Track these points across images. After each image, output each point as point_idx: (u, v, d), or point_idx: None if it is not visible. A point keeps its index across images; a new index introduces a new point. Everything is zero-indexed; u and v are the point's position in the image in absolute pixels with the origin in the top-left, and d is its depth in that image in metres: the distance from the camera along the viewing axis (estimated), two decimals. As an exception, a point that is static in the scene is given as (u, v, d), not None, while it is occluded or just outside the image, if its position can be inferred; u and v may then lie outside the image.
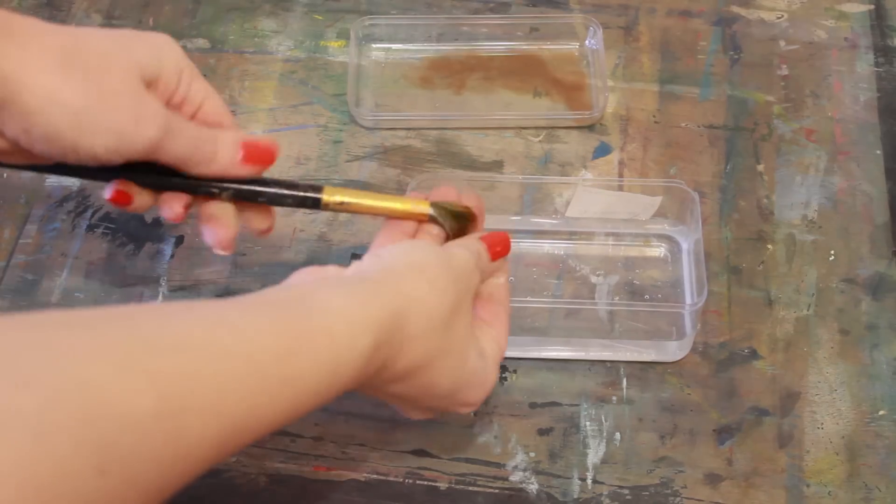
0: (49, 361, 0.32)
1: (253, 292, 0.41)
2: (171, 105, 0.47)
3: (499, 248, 0.50)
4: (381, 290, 0.42)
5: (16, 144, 0.44)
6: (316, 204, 0.49)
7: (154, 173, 0.47)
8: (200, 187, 0.48)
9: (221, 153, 0.48)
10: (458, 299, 0.45)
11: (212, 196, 0.48)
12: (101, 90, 0.43)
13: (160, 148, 0.45)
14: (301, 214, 0.64)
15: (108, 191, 0.48)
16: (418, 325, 0.43)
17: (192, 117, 0.49)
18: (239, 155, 0.48)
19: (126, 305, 0.37)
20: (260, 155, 0.49)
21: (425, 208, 0.50)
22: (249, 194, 0.49)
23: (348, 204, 0.50)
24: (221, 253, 0.50)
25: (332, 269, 0.45)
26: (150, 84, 0.46)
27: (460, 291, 0.45)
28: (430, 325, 0.43)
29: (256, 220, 0.51)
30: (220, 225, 0.49)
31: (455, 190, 0.52)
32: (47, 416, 0.30)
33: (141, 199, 0.49)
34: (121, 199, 0.48)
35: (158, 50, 0.47)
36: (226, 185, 0.48)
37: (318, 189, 0.49)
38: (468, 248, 0.48)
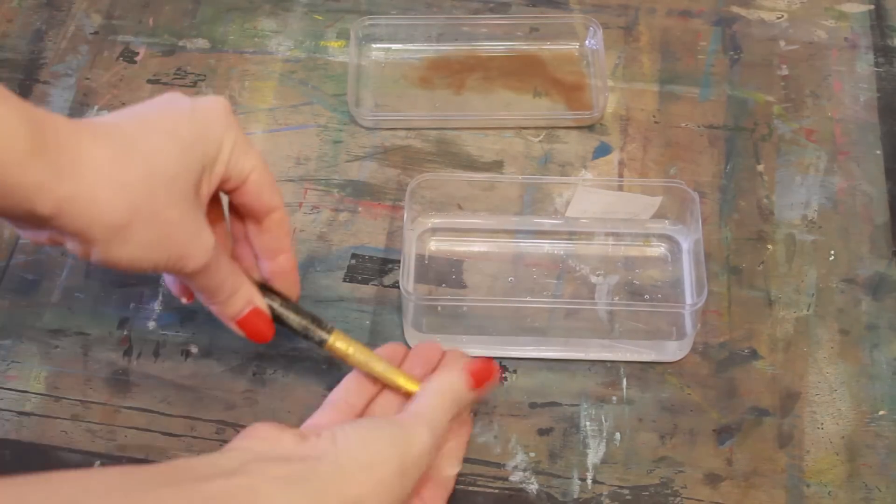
0: None
1: (208, 464, 0.41)
2: (222, 180, 0.48)
3: (483, 379, 0.50)
4: (323, 491, 0.42)
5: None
6: (321, 343, 0.52)
7: None
8: None
9: (231, 303, 0.49)
10: (405, 495, 0.45)
11: None
12: (158, 220, 0.43)
13: (195, 278, 0.47)
14: (301, 214, 0.64)
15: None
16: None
17: (235, 190, 0.49)
18: (241, 315, 0.50)
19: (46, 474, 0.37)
20: (255, 331, 0.51)
21: (414, 389, 0.50)
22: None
23: (348, 356, 0.51)
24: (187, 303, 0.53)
25: (287, 439, 0.44)
26: (201, 177, 0.46)
27: (407, 486, 0.45)
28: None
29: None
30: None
31: (461, 356, 0.52)
32: None
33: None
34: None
35: (212, 137, 0.46)
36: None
37: (329, 331, 0.52)
38: (433, 426, 0.47)
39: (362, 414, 0.50)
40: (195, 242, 0.45)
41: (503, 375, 0.58)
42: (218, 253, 0.47)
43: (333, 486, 0.42)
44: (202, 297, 0.49)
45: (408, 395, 0.50)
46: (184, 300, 0.53)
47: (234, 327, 0.51)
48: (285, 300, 0.52)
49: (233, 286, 0.49)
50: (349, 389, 0.51)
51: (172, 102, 0.46)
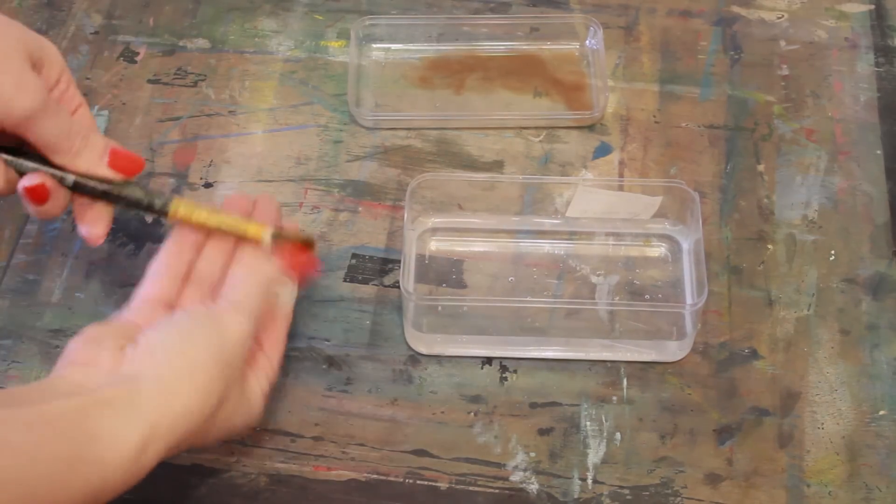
0: None
1: (38, 389, 0.44)
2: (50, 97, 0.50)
3: (305, 269, 0.54)
4: (150, 411, 0.44)
5: None
6: (164, 214, 0.53)
7: (22, 154, 0.50)
8: (65, 178, 0.51)
9: (90, 149, 0.51)
10: (227, 386, 0.47)
11: (76, 190, 0.51)
12: None
13: (32, 125, 0.48)
14: (301, 214, 0.64)
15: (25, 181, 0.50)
16: (189, 430, 0.45)
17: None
18: (105, 158, 0.51)
19: None
20: (126, 163, 0.52)
21: (264, 235, 0.53)
22: (101, 193, 0.52)
23: (192, 218, 0.53)
24: (96, 245, 0.53)
25: (104, 360, 0.46)
26: (33, 66, 0.49)
27: (230, 377, 0.48)
28: (199, 427, 0.46)
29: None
30: (92, 221, 0.52)
31: (271, 202, 0.56)
32: None
33: (56, 199, 0.51)
34: (38, 193, 0.50)
35: (44, 43, 0.51)
36: (93, 182, 0.52)
37: (167, 201, 0.53)
38: (248, 312, 0.50)
39: (181, 288, 0.53)
40: (27, 79, 0.47)
41: (503, 375, 0.58)
42: (52, 102, 0.48)
43: (159, 403, 0.44)
44: (61, 153, 0.50)
45: (256, 243, 0.53)
46: (93, 244, 0.53)
47: (103, 173, 0.51)
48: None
49: (82, 131, 0.50)
50: (170, 260, 0.53)
51: None
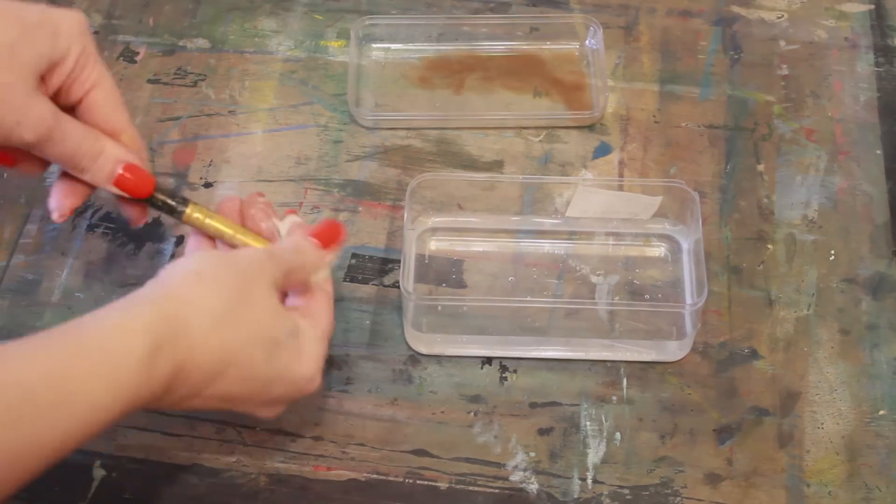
0: None
1: None
2: (63, 87, 0.48)
3: (330, 237, 0.52)
4: (153, 298, 0.44)
5: None
6: (178, 216, 0.53)
7: None
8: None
9: (97, 170, 0.50)
10: (243, 292, 0.46)
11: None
12: None
13: (38, 150, 0.47)
14: (301, 214, 0.64)
15: None
16: (201, 326, 0.44)
17: (79, 102, 0.50)
18: (113, 178, 0.50)
19: None
20: (134, 185, 0.51)
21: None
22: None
23: (204, 224, 0.53)
24: (58, 220, 0.52)
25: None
26: (46, 71, 0.47)
27: (246, 283, 0.46)
28: (213, 323, 0.44)
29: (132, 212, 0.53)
30: (67, 194, 0.51)
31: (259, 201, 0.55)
32: None
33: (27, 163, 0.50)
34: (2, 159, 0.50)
35: (61, 36, 0.47)
36: None
37: (185, 203, 0.52)
38: (260, 246, 0.51)
39: None
40: (30, 109, 0.46)
41: (503, 375, 0.58)
42: (61, 120, 0.47)
43: (159, 293, 0.44)
44: (70, 169, 0.49)
45: None
46: (57, 218, 0.52)
47: (112, 190, 0.51)
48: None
49: (93, 150, 0.49)
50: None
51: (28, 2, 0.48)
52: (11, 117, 0.45)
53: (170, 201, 0.52)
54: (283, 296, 0.51)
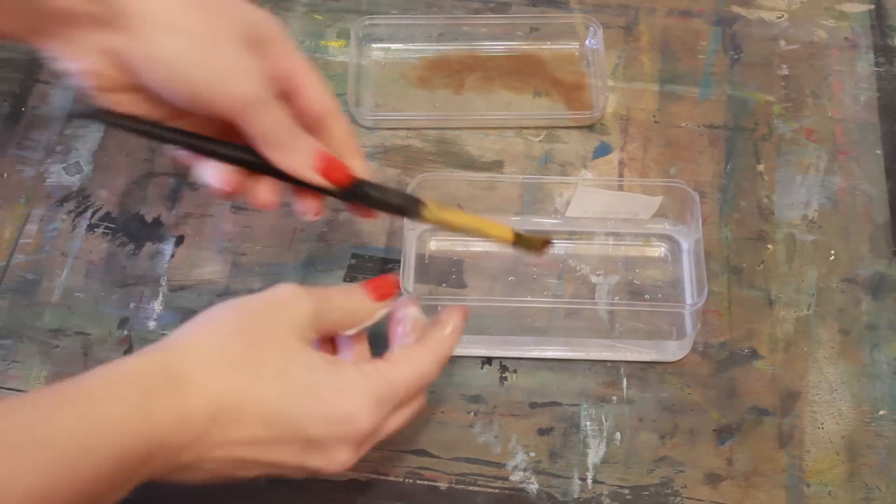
0: None
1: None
2: (270, 67, 0.47)
3: (384, 289, 0.50)
4: (146, 351, 0.43)
5: (127, 75, 0.45)
6: (415, 215, 0.51)
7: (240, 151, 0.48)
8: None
9: (301, 151, 0.48)
10: (243, 332, 0.44)
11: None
12: (214, 28, 0.44)
13: (247, 114, 0.45)
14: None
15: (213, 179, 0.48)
16: (194, 370, 0.42)
17: (287, 91, 0.49)
18: (313, 162, 0.48)
19: None
20: (336, 173, 0.49)
21: (508, 235, 0.53)
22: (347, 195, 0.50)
23: (446, 221, 0.52)
24: (313, 218, 0.51)
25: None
26: (253, 45, 0.46)
27: (249, 323, 0.45)
28: (208, 366, 0.43)
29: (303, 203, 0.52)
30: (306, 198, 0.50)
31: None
32: None
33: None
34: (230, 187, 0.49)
35: (265, 18, 0.47)
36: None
37: (419, 203, 0.51)
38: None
39: None
40: (238, 69, 0.45)
41: (503, 375, 0.58)
42: (269, 92, 0.46)
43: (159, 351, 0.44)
44: (264, 147, 0.47)
45: (504, 242, 0.53)
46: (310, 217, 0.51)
47: (314, 179, 0.48)
48: (371, 184, 0.51)
49: (291, 134, 0.47)
50: None
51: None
52: (225, 66, 0.44)
53: (401, 202, 0.51)
54: (328, 340, 0.51)
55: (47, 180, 0.66)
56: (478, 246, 0.63)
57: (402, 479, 0.54)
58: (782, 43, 0.73)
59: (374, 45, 0.72)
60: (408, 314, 0.51)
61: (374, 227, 0.64)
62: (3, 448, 0.37)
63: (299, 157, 0.48)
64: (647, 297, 0.60)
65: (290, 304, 0.46)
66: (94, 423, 0.39)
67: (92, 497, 0.39)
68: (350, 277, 0.62)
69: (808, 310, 0.60)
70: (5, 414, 0.38)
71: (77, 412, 0.39)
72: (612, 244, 0.63)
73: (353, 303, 0.49)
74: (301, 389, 0.44)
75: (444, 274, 0.62)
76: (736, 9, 0.75)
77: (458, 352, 0.58)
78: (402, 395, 0.47)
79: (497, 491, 0.54)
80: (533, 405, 0.57)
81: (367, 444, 0.46)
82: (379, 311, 0.50)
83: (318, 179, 0.48)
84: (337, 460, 0.45)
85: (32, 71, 0.72)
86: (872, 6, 0.75)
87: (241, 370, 0.43)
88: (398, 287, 0.51)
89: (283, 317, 0.45)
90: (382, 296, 0.50)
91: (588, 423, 0.56)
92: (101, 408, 0.39)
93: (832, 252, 0.63)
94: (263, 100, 0.45)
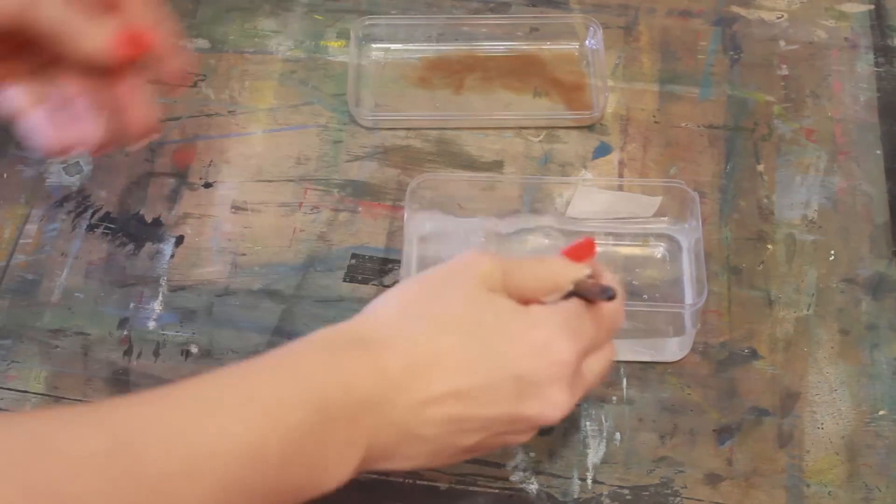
0: (4, 421, 0.34)
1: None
2: None
3: (582, 251, 0.48)
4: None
5: None
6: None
7: None
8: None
9: (94, 31, 0.46)
10: (426, 289, 0.44)
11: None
12: None
13: (29, 22, 0.44)
14: (301, 214, 0.64)
15: None
16: (381, 326, 0.42)
17: None
18: (110, 44, 0.46)
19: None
20: (134, 46, 0.47)
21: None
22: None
23: None
24: (49, 155, 0.50)
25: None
26: None
27: (431, 282, 0.44)
28: (389, 323, 0.43)
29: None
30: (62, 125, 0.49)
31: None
32: None
33: None
34: None
35: None
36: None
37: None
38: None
39: None
40: None
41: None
42: None
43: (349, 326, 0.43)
44: (60, 41, 0.46)
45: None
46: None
47: (116, 53, 0.47)
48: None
49: (81, 19, 0.46)
50: None
51: None
52: None
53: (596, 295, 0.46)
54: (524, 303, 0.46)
55: (47, 180, 0.66)
56: (478, 246, 0.63)
57: (401, 480, 0.54)
58: (782, 43, 0.73)
59: (373, 46, 0.72)
60: (607, 278, 0.48)
61: (374, 227, 0.64)
62: (210, 406, 0.37)
63: (95, 39, 0.46)
64: (646, 297, 0.60)
65: (471, 262, 0.45)
66: (292, 378, 0.39)
67: (306, 456, 0.39)
68: (350, 277, 0.62)
69: (808, 310, 0.60)
70: (205, 379, 0.39)
71: (275, 370, 0.40)
72: (612, 244, 0.63)
73: (547, 266, 0.46)
74: (493, 331, 0.43)
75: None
76: (736, 9, 0.75)
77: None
78: (593, 331, 0.45)
79: (497, 491, 0.54)
80: (533, 405, 0.57)
81: (577, 387, 0.44)
82: (577, 273, 0.46)
83: (119, 53, 0.47)
84: (553, 401, 0.43)
85: (32, 71, 0.71)
86: (872, 6, 0.75)
87: (429, 325, 0.42)
88: (595, 250, 0.49)
89: (466, 274, 0.44)
90: (580, 257, 0.48)
91: (588, 423, 0.56)
92: (297, 366, 0.40)
93: (832, 252, 0.62)
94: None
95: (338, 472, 0.40)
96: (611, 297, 0.45)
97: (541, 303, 0.45)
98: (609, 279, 0.48)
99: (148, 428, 0.35)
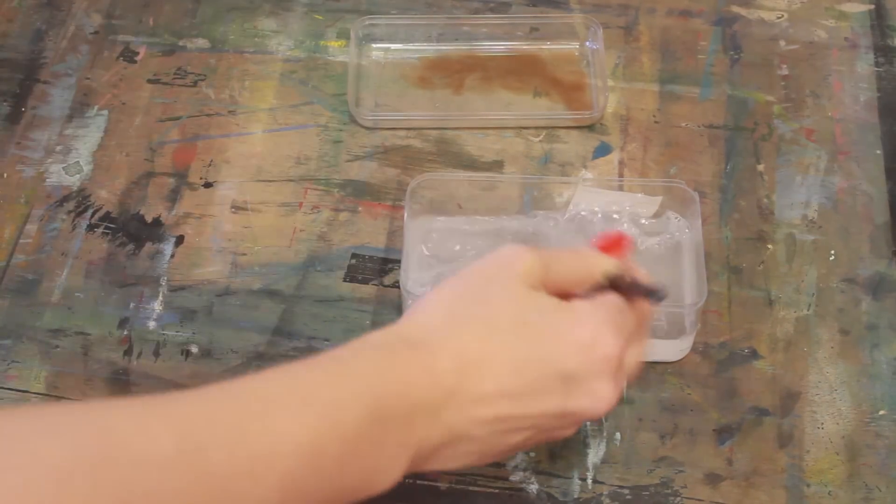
0: (71, 412, 0.34)
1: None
2: None
3: (613, 244, 0.49)
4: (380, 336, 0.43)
5: None
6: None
7: None
8: None
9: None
10: (469, 288, 0.44)
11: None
12: None
13: None
14: (301, 214, 0.64)
15: None
16: (428, 327, 0.42)
17: None
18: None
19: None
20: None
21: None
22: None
23: None
24: None
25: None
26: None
27: (472, 280, 0.44)
28: (437, 326, 0.43)
29: None
30: None
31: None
32: (68, 461, 0.31)
33: None
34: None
35: None
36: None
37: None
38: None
39: None
40: None
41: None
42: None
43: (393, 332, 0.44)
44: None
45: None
46: None
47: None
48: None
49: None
50: None
51: None
52: None
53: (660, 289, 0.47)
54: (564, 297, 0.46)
55: (47, 180, 0.66)
56: (478, 246, 0.63)
57: (402, 479, 0.54)
58: (782, 43, 0.73)
59: (373, 45, 0.72)
60: (641, 275, 0.48)
61: (374, 227, 0.64)
62: (271, 406, 0.38)
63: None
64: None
65: (513, 258, 0.45)
66: (347, 380, 0.40)
67: (362, 457, 0.39)
68: (350, 277, 0.62)
69: (808, 310, 0.60)
70: (264, 377, 0.39)
71: (330, 372, 0.40)
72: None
73: (582, 258, 0.47)
74: (539, 330, 0.43)
75: (444, 273, 0.62)
76: (736, 9, 0.75)
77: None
78: (632, 323, 0.46)
79: (497, 491, 0.54)
80: (533, 405, 0.57)
81: (620, 378, 0.45)
82: (609, 267, 0.46)
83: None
84: (600, 395, 0.43)
85: (32, 71, 0.72)
86: (872, 6, 0.75)
87: (476, 326, 0.43)
88: (630, 244, 0.49)
89: (508, 272, 0.44)
90: (611, 249, 0.48)
91: (588, 423, 0.56)
92: (352, 368, 0.40)
93: (832, 252, 0.62)
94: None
95: (390, 473, 0.41)
96: (661, 299, 0.46)
97: (578, 296, 0.46)
98: (644, 277, 0.48)
99: (214, 427, 0.36)
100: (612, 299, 0.45)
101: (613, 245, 0.49)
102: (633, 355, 0.47)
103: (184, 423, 0.35)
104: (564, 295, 0.46)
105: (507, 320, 0.43)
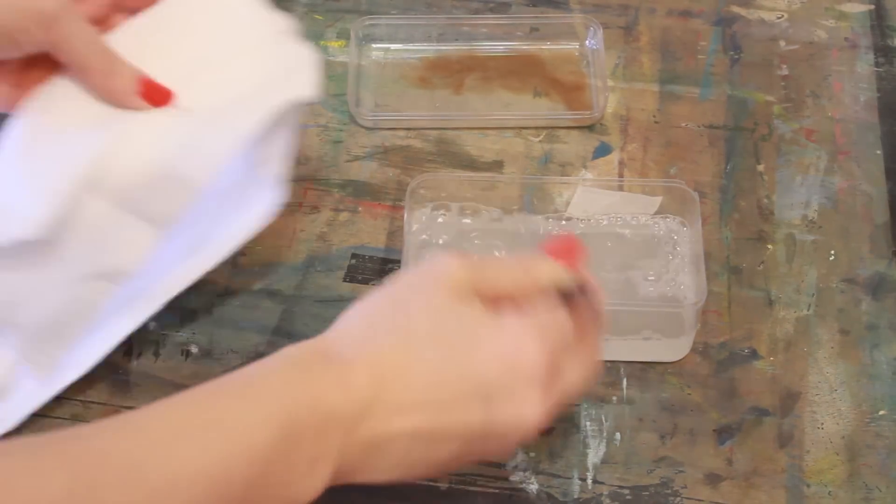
0: None
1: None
2: None
3: (562, 250, 0.48)
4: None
5: None
6: None
7: None
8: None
9: (120, 74, 0.47)
10: (390, 299, 0.44)
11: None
12: None
13: (53, 36, 0.44)
14: (301, 214, 0.64)
15: None
16: (342, 341, 0.42)
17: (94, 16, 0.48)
18: (137, 88, 0.47)
19: None
20: (158, 95, 0.48)
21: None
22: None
23: None
24: None
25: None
26: None
27: (396, 291, 0.44)
28: (352, 338, 0.42)
29: None
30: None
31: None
32: None
33: None
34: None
35: None
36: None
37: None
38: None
39: None
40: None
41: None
42: (77, 16, 0.45)
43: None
44: (85, 75, 0.46)
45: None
46: None
47: (137, 103, 0.48)
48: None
49: (107, 56, 0.47)
50: None
51: None
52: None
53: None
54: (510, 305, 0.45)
55: (47, 180, 0.66)
56: (478, 245, 0.63)
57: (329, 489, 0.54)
58: (782, 43, 0.73)
59: (373, 46, 0.72)
60: (584, 276, 0.47)
61: (374, 227, 0.64)
62: (171, 434, 0.37)
63: (119, 82, 0.47)
64: (646, 296, 0.60)
65: (440, 269, 0.44)
66: (257, 400, 0.39)
67: (273, 477, 0.38)
68: (350, 277, 0.62)
69: (808, 310, 0.60)
70: (167, 406, 0.38)
71: (237, 392, 0.39)
72: (612, 244, 0.63)
73: (523, 265, 0.45)
74: (460, 339, 0.42)
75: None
76: (736, 9, 0.75)
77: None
78: (567, 330, 0.44)
79: (497, 491, 0.54)
80: (533, 405, 0.57)
81: (553, 390, 0.43)
82: (556, 274, 0.45)
83: (139, 103, 0.48)
84: (524, 408, 0.42)
85: (32, 71, 0.71)
86: (872, 6, 0.75)
87: (394, 338, 0.42)
88: (581, 249, 0.48)
89: (434, 282, 0.43)
90: (559, 253, 0.47)
91: (588, 423, 0.56)
92: (262, 387, 0.39)
93: (832, 252, 0.62)
94: (69, 16, 0.44)
95: (307, 489, 0.40)
96: (583, 292, 0.45)
97: (518, 304, 0.45)
98: (592, 283, 0.47)
99: (107, 463, 0.35)
100: (543, 304, 0.44)
101: (564, 250, 0.48)
102: (577, 366, 0.45)
103: (76, 462, 0.34)
104: (513, 304, 0.44)
105: (425, 332, 0.42)
